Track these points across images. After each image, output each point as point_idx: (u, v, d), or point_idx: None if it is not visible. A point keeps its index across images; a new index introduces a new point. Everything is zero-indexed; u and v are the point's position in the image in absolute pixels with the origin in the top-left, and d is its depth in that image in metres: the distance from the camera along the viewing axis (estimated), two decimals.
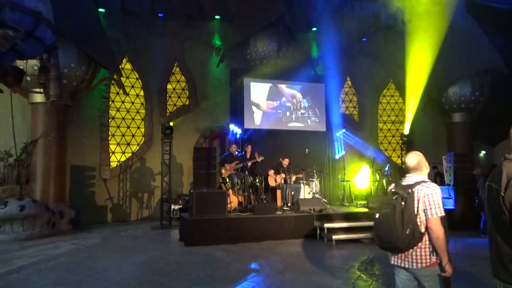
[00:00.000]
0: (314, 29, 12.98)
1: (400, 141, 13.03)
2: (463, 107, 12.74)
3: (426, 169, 2.72)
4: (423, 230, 2.52)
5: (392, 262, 2.72)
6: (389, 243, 2.55)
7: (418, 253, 2.55)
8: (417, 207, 2.52)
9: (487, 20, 12.42)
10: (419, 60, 11.79)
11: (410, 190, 2.54)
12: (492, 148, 14.56)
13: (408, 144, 12.20)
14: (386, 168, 10.97)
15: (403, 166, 5.89)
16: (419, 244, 2.53)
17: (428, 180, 2.63)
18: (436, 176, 11.86)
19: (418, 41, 11.78)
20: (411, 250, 2.55)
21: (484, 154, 14.73)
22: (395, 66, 13.19)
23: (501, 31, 13.44)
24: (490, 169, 8.17)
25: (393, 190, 2.68)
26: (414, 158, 2.69)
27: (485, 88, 12.77)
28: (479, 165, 10.67)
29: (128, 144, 11.58)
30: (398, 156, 13.84)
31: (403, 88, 12.88)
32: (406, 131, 12.31)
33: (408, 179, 2.68)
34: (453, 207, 9.34)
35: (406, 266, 2.61)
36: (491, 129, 13.31)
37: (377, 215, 2.65)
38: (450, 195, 9.70)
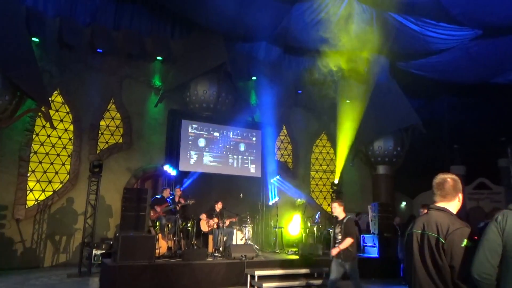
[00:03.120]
0: (253, 78, 13.52)
1: (330, 190, 13.59)
2: (387, 160, 13.78)
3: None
4: None
5: None
6: None
7: None
8: None
9: (407, 84, 13.94)
10: (349, 115, 12.73)
11: None
12: (412, 200, 15.75)
13: (337, 193, 12.75)
14: (317, 216, 11.27)
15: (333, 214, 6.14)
16: None
17: None
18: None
19: (348, 97, 12.80)
20: None
21: (405, 205, 15.84)
22: (328, 118, 14.07)
23: (419, 95, 15.15)
24: (409, 219, 8.77)
25: None
26: None
27: (406, 144, 14.01)
28: (398, 216, 11.40)
29: (50, 182, 10.69)
30: (328, 205, 14.32)
31: (334, 139, 13.69)
32: (336, 180, 12.91)
33: None
34: (377, 255, 9.74)
35: None
36: (410, 182, 14.47)
37: None
38: (374, 244, 10.15)
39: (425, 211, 6.61)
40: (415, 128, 13.91)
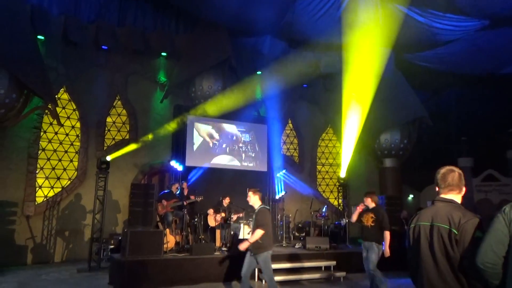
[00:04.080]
0: (258, 72, 13.47)
1: (337, 184, 13.57)
2: (393, 153, 13.71)
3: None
4: None
5: None
6: None
7: None
8: None
9: (413, 76, 13.81)
10: (355, 108, 12.65)
11: None
12: (419, 193, 15.68)
13: (344, 187, 12.73)
14: (324, 209, 11.27)
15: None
16: None
17: None
18: None
19: (353, 90, 12.72)
20: None
21: (412, 197, 15.78)
22: (333, 112, 14.00)
23: (425, 87, 15.02)
24: (417, 211, 8.76)
25: None
26: None
27: (412, 136, 13.92)
28: (405, 209, 11.37)
29: (58, 178, 10.80)
30: (335, 198, 14.31)
31: (340, 133, 13.64)
32: (342, 174, 12.87)
33: None
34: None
35: None
36: (417, 175, 14.40)
37: None
38: None
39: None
40: (422, 120, 13.80)
